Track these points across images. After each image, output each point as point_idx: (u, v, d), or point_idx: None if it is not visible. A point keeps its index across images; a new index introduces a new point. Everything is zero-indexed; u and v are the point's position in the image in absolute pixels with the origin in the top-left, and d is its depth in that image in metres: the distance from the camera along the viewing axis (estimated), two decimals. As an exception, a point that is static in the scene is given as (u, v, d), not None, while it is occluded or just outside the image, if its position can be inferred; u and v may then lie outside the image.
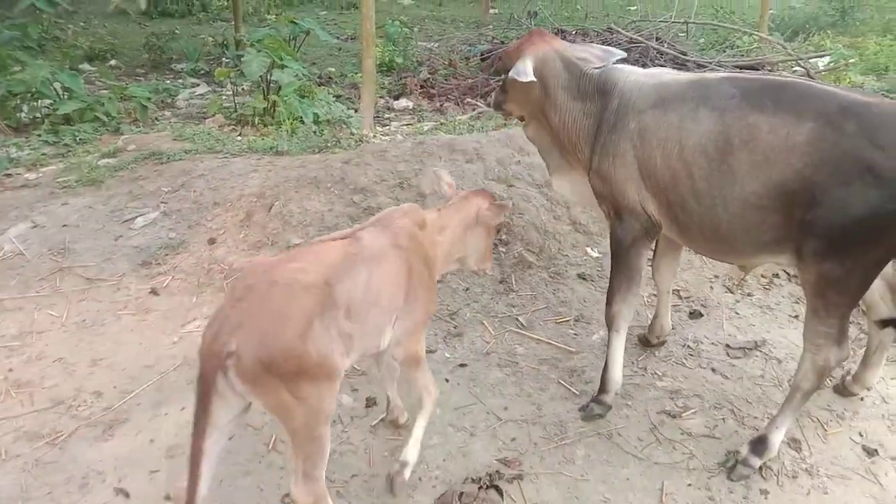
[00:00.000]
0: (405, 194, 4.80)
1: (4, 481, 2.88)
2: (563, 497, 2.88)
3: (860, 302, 3.15)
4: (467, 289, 4.27)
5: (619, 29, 9.32)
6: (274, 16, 13.21)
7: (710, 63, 8.07)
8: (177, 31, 11.89)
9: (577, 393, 3.48)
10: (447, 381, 3.55)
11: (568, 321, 4.07)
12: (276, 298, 2.22)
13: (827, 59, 8.73)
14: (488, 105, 7.75)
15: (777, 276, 4.43)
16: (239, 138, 6.30)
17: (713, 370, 3.66)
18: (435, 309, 2.98)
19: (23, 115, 6.69)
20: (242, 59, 6.65)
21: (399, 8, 16.09)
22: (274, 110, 6.70)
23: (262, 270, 2.33)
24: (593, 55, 3.27)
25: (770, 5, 11.31)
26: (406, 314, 2.68)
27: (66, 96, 6.63)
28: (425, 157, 5.11)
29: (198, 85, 8.93)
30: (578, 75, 3.21)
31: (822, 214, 2.53)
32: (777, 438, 2.98)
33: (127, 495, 2.83)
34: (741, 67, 8.06)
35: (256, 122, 6.70)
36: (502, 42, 10.28)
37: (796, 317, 4.09)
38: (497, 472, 2.95)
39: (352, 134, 6.39)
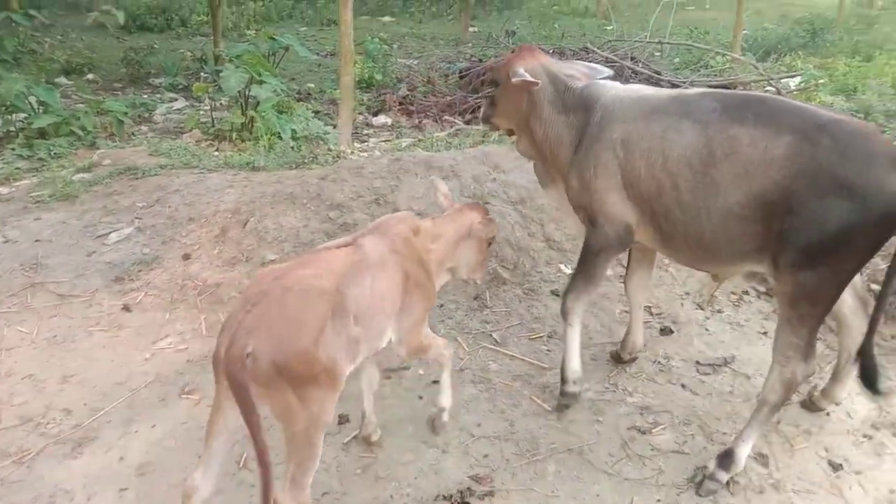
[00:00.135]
0: (381, 210, 4.82)
1: (-31, 501, 2.85)
2: (533, 513, 2.90)
3: (829, 319, 3.23)
4: (442, 305, 4.29)
5: (595, 48, 9.45)
6: (254, 31, 13.23)
7: (685, 82, 8.22)
8: (155, 46, 11.88)
9: (549, 409, 3.50)
10: (421, 397, 3.56)
11: (541, 337, 4.10)
12: (291, 304, 2.31)
13: (798, 80, 8.93)
14: (467, 123, 7.83)
15: (746, 292, 4.50)
16: (216, 154, 6.30)
17: (683, 386, 3.71)
18: (432, 304, 3.07)
19: (-3, 128, 6.64)
20: (221, 74, 6.66)
21: (379, 25, 16.19)
22: (252, 126, 6.71)
23: (275, 277, 2.42)
24: (579, 72, 3.39)
25: (743, 26, 11.57)
26: (404, 314, 2.80)
27: (41, 110, 6.60)
28: (402, 174, 5.15)
29: (176, 100, 8.92)
30: (563, 90, 3.31)
31: (799, 225, 2.63)
32: (744, 452, 3.02)
33: (95, 514, 2.81)
34: (714, 87, 8.21)
35: (234, 138, 6.71)
36: (480, 60, 10.37)
37: (765, 333, 4.15)
38: (468, 488, 2.97)
39: (329, 150, 6.42)
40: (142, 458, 3.11)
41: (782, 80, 8.68)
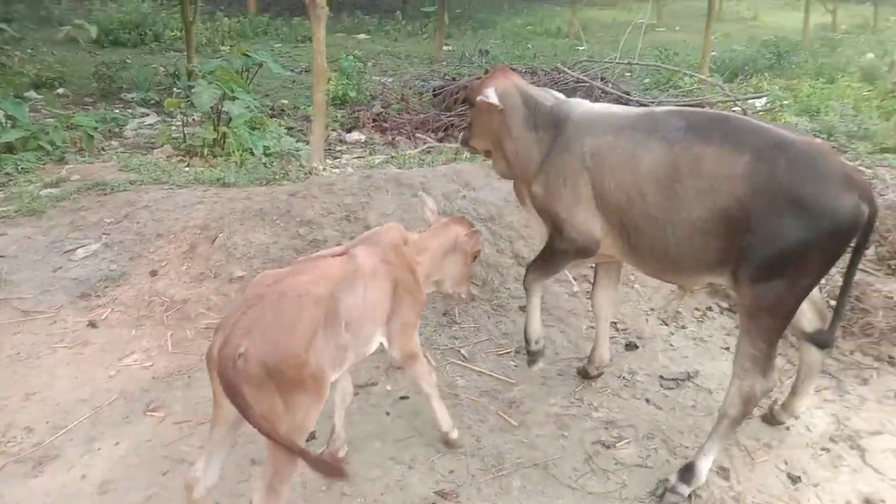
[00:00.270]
0: (352, 227, 4.84)
1: (-75, 521, 2.80)
2: (498, 528, 2.92)
3: (789, 334, 3.32)
4: (411, 321, 4.31)
5: (566, 69, 9.59)
6: (227, 47, 13.23)
7: (653, 102, 8.37)
8: (128, 61, 11.82)
9: (515, 424, 3.53)
10: (388, 413, 3.57)
11: (509, 353, 4.14)
12: (286, 308, 2.37)
13: (764, 100, 9.14)
14: (439, 141, 7.90)
15: (710, 308, 4.58)
16: (186, 169, 6.28)
17: (647, 401, 3.76)
18: (422, 305, 3.14)
19: (-37, 143, 6.55)
20: (193, 89, 6.66)
21: (354, 42, 16.27)
22: (224, 142, 6.71)
23: (271, 281, 2.48)
24: (552, 95, 3.52)
25: (712, 48, 11.83)
26: (396, 318, 2.89)
27: (9, 124, 6.53)
28: (372, 191, 5.18)
29: (147, 115, 8.88)
30: (534, 108, 3.42)
31: (758, 241, 2.73)
32: (705, 466, 3.07)
33: (54, 533, 2.78)
34: (682, 107, 8.37)
35: (206, 154, 6.70)
36: (454, 78, 10.48)
37: (728, 349, 4.22)
38: (433, 504, 2.98)
39: (301, 166, 6.43)
40: (104, 475, 3.08)
41: (748, 101, 8.88)
